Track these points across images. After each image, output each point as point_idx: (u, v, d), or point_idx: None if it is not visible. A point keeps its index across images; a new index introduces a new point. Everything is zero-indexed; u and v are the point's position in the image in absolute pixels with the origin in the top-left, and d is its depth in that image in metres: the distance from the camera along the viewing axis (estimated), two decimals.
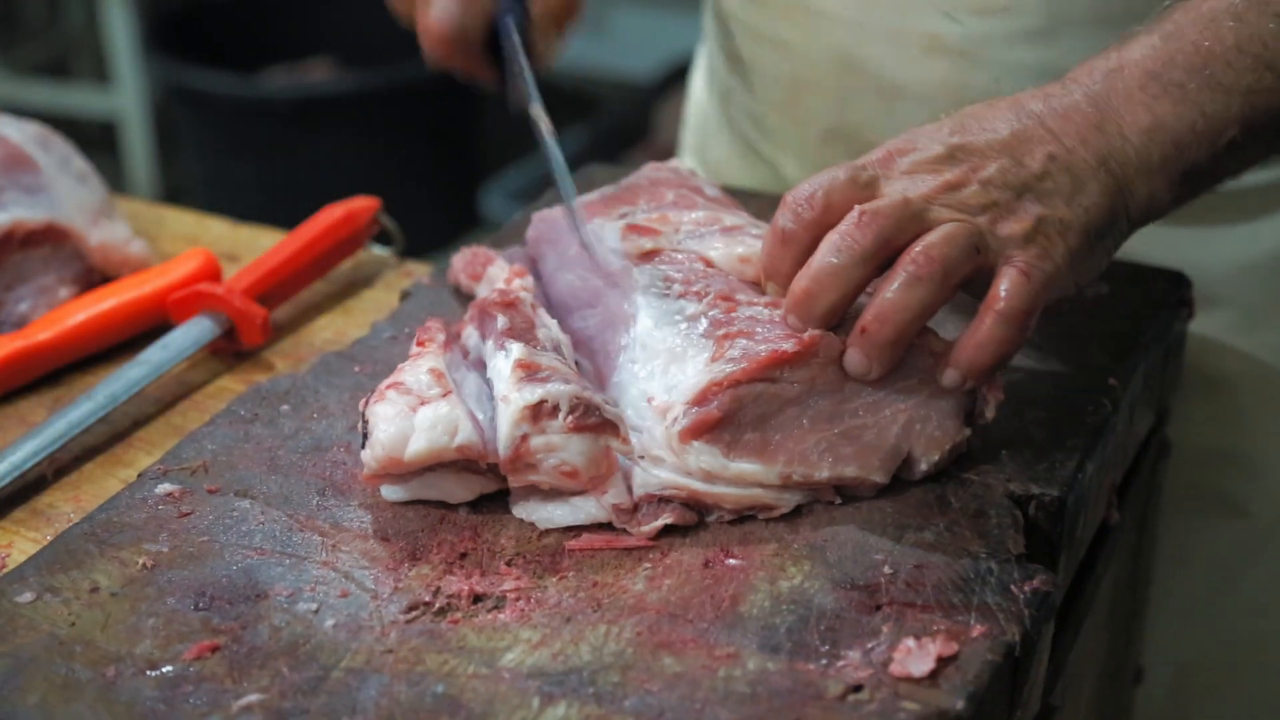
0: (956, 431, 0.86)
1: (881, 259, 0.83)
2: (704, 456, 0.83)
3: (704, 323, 0.86)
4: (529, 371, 0.84)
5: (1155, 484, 1.13)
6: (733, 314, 0.86)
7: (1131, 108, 0.85)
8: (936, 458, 0.86)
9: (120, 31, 3.31)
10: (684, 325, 0.86)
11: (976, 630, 0.75)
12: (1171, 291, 1.06)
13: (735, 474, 0.83)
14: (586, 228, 0.96)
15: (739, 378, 0.82)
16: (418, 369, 0.87)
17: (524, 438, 0.82)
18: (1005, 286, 0.82)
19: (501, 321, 0.89)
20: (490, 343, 0.88)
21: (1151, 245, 1.13)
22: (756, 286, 0.89)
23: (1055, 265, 0.83)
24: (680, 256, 0.91)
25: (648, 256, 0.91)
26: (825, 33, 1.17)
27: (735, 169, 1.35)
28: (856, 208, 0.83)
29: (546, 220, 1.02)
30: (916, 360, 0.85)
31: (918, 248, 0.82)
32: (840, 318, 0.84)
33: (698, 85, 1.44)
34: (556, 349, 0.88)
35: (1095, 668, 1.06)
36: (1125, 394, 0.95)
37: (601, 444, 0.83)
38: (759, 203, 1.19)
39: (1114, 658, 1.14)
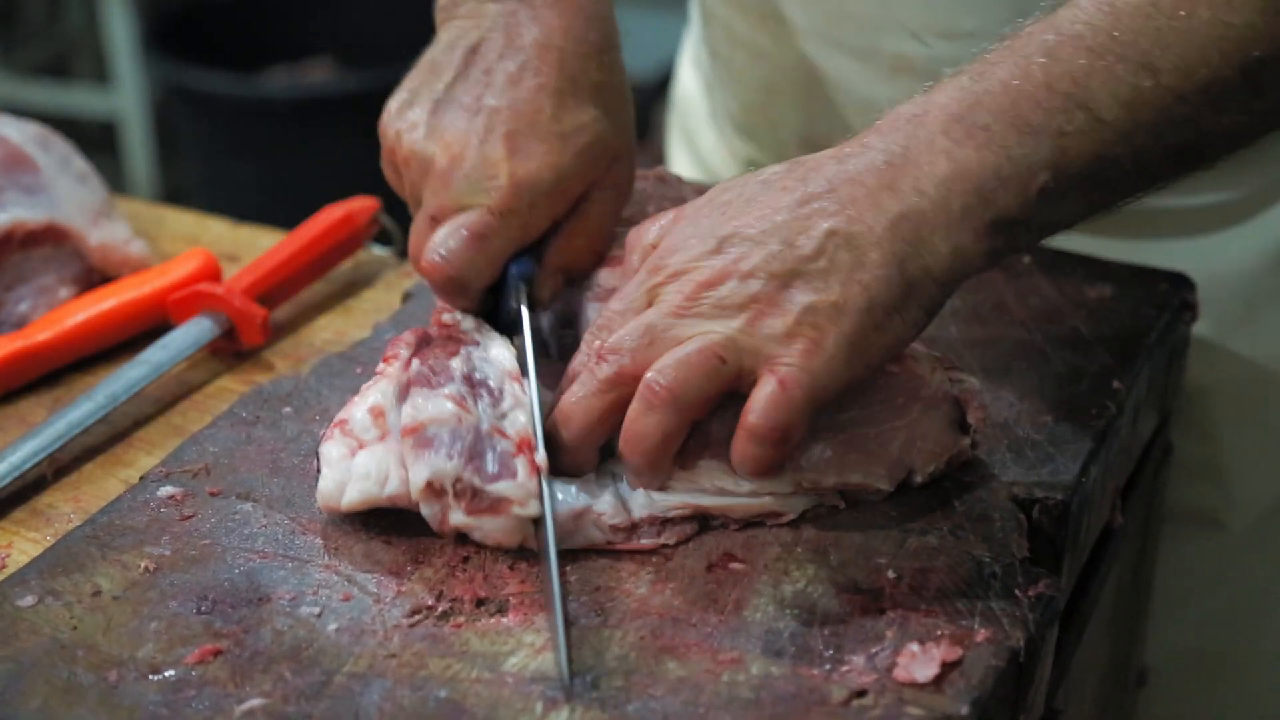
0: (954, 443, 0.86)
1: (625, 387, 0.80)
2: (716, 476, 0.83)
3: None
4: (415, 435, 0.82)
5: (1158, 487, 1.13)
6: None
7: (931, 156, 0.79)
8: (932, 468, 0.86)
9: (120, 31, 3.31)
10: None
11: (981, 635, 0.75)
12: (1175, 294, 1.06)
13: (750, 488, 0.83)
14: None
15: None
16: (363, 404, 0.85)
17: (443, 513, 0.81)
18: (757, 402, 0.78)
19: (415, 369, 0.86)
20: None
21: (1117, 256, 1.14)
22: None
23: (826, 357, 0.78)
24: None
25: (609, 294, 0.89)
26: (796, 43, 1.16)
27: (720, 160, 1.35)
28: (596, 344, 0.82)
29: None
30: (901, 381, 0.84)
31: (650, 374, 0.79)
32: (596, 442, 0.83)
33: (685, 71, 1.44)
34: (469, 379, 0.85)
35: (1098, 670, 1.06)
36: (1129, 397, 0.95)
37: (511, 517, 0.80)
38: None
39: (1117, 660, 1.14)
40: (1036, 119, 0.78)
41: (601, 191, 0.93)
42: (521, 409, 0.85)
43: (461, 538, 0.82)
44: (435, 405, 0.82)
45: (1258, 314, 1.16)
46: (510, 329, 0.91)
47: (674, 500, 0.83)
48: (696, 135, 1.40)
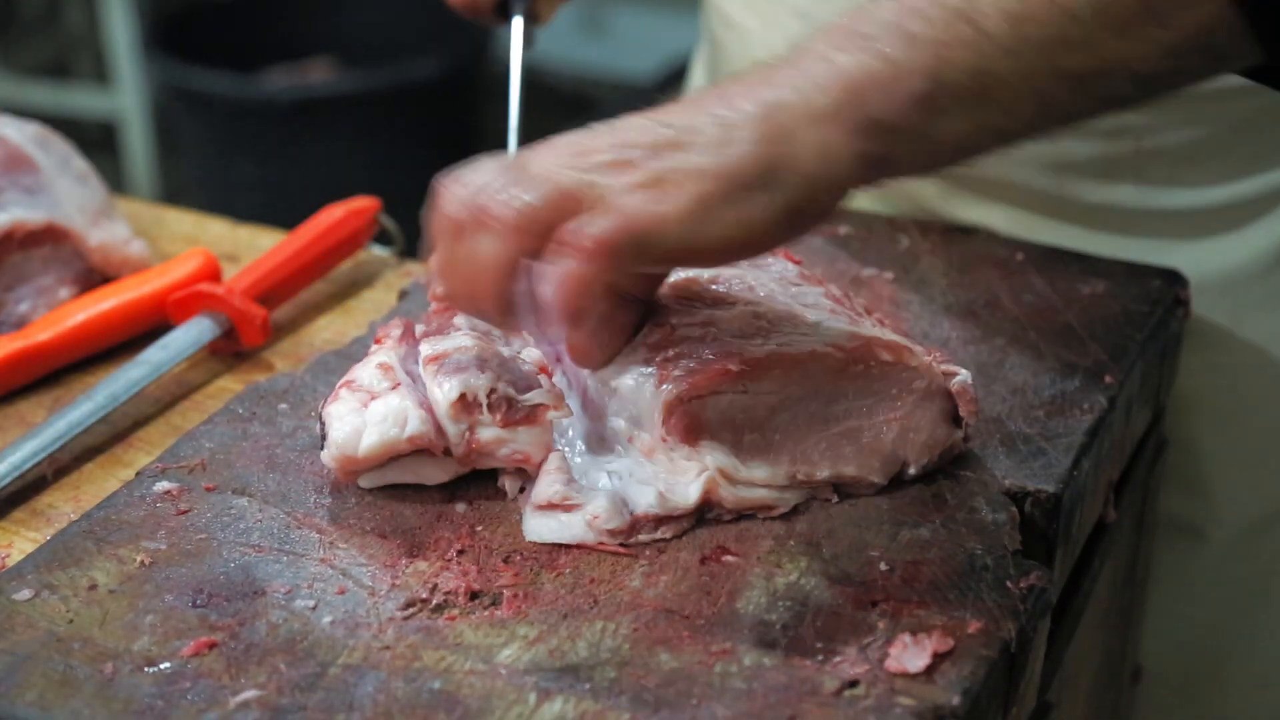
0: (947, 436, 0.87)
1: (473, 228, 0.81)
2: (718, 454, 0.83)
3: (642, 350, 0.85)
4: (439, 362, 0.84)
5: (1152, 482, 1.13)
6: (670, 337, 0.85)
7: (810, 60, 0.80)
8: (926, 461, 0.86)
9: (120, 31, 3.31)
10: (625, 355, 0.86)
11: (972, 626, 0.76)
12: (1168, 289, 1.07)
13: (746, 477, 0.84)
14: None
15: (688, 393, 0.82)
16: (368, 365, 0.87)
17: (470, 430, 0.83)
18: (582, 219, 0.78)
19: (417, 329, 0.91)
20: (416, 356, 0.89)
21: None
22: (698, 308, 0.88)
23: (670, 208, 0.77)
24: None
25: None
26: (782, 22, 1.19)
27: None
28: (460, 192, 0.82)
29: None
30: (894, 373, 0.85)
31: (495, 200, 0.79)
32: (487, 293, 0.81)
33: (697, 62, 1.47)
34: (475, 328, 0.89)
35: (1092, 666, 1.07)
36: (1122, 391, 0.95)
37: (545, 427, 0.84)
38: None
39: (1111, 656, 1.14)
40: (918, 28, 0.78)
41: None
42: (530, 349, 0.88)
43: (456, 527, 0.83)
44: (454, 340, 0.86)
45: (1241, 322, 1.16)
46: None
47: (682, 502, 0.83)
48: None
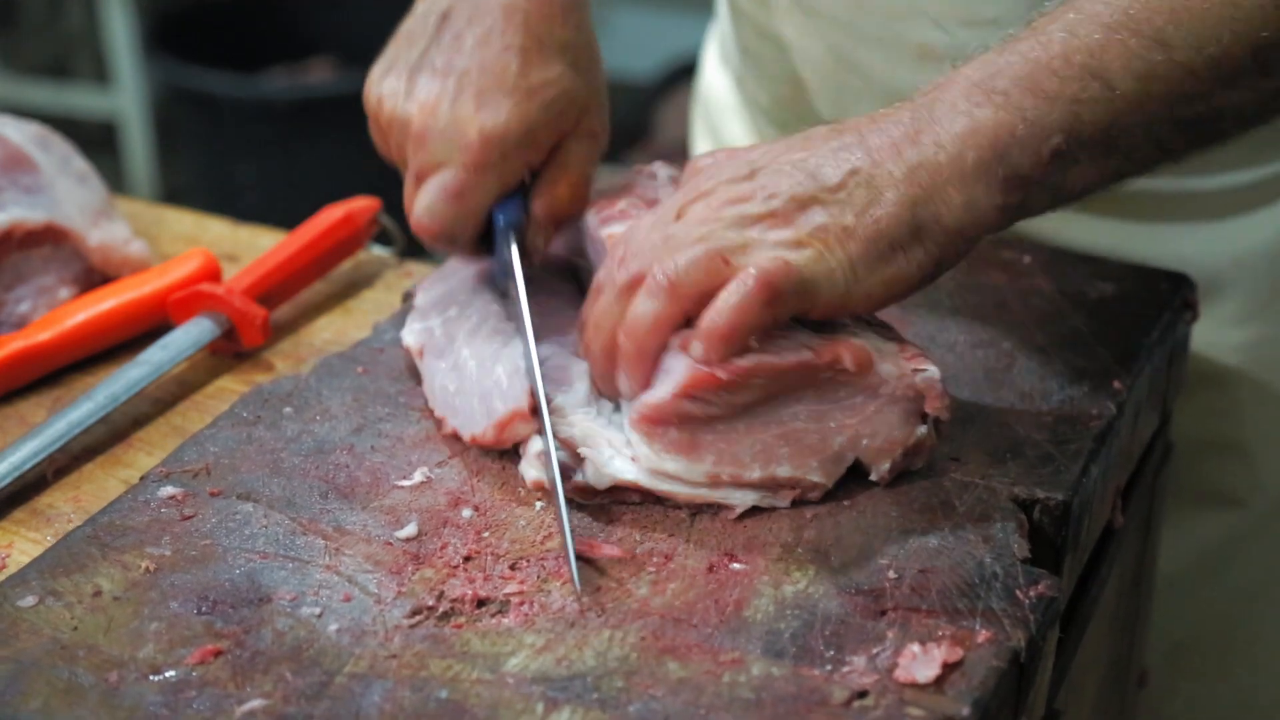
0: (908, 436, 0.86)
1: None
2: (640, 448, 0.84)
3: None
4: None
5: (1159, 486, 1.13)
6: None
7: (952, 115, 0.84)
8: (887, 465, 0.86)
9: (120, 31, 3.31)
10: None
11: (982, 636, 0.75)
12: (1175, 293, 1.06)
13: (658, 469, 0.84)
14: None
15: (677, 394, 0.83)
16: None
17: None
18: (721, 297, 0.82)
19: None
20: None
21: (1146, 240, 1.15)
22: None
23: (828, 267, 0.82)
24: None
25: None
26: (822, 33, 1.19)
27: None
28: (619, 252, 0.86)
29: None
30: (861, 378, 0.84)
31: (655, 267, 0.83)
32: (651, 356, 0.85)
33: (710, 66, 1.46)
34: None
35: (1099, 670, 1.06)
36: (1130, 397, 0.95)
37: None
38: None
39: (1117, 660, 1.14)
40: (1052, 86, 0.83)
41: (575, 141, 0.98)
42: None
43: (463, 533, 0.83)
44: None
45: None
46: (505, 276, 0.96)
47: (626, 476, 0.84)
48: (723, 129, 1.42)
